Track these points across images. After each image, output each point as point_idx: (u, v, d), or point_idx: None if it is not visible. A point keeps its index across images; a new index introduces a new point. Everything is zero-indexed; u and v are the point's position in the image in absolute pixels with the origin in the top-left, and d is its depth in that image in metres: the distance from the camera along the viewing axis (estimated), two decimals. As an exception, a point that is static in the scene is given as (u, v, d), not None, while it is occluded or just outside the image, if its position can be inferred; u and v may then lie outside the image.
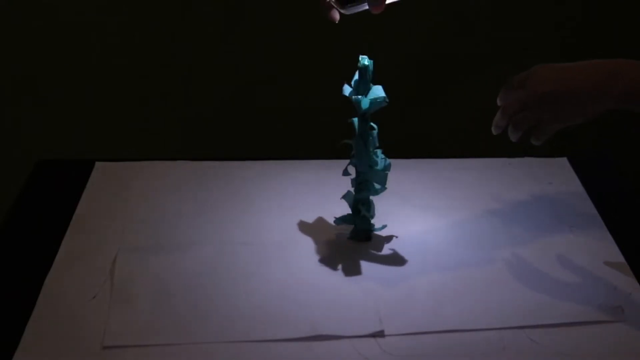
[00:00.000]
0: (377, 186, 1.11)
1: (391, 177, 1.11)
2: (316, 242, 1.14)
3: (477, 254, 1.12)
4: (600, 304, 1.02)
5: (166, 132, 1.93)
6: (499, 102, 1.08)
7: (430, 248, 1.13)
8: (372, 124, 1.08)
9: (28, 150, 1.60)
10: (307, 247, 1.13)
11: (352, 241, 1.14)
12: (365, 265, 1.10)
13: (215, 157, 1.36)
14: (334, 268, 1.09)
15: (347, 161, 1.11)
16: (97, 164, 1.31)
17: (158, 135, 1.93)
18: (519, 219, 1.20)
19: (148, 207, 1.21)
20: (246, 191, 1.26)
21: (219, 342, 0.96)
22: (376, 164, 1.10)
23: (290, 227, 1.17)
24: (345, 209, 1.14)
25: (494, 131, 1.09)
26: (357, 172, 1.11)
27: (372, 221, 1.14)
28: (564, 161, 1.36)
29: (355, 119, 1.08)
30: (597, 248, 1.14)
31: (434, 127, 1.95)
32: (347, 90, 1.07)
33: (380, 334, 0.98)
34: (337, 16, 1.00)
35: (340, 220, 1.14)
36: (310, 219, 1.19)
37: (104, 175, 1.29)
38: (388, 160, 1.11)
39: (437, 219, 1.20)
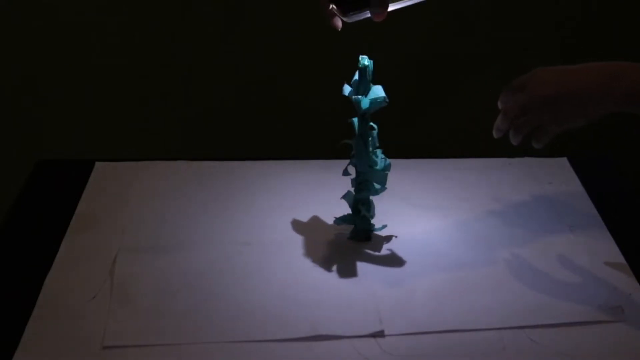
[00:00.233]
0: (377, 186, 1.11)
1: (391, 177, 1.11)
2: (316, 242, 1.14)
3: (477, 254, 1.12)
4: (600, 304, 1.02)
5: (166, 132, 1.93)
6: (499, 105, 1.08)
7: (430, 248, 1.13)
8: (372, 124, 1.08)
9: (28, 150, 1.60)
10: (307, 247, 1.13)
11: (352, 241, 1.14)
12: (365, 265, 1.10)
13: (215, 157, 1.36)
14: (334, 268, 1.09)
15: (347, 161, 1.11)
16: (97, 164, 1.31)
17: (158, 135, 1.93)
18: (519, 219, 1.20)
19: (148, 207, 1.21)
20: (246, 191, 1.26)
21: (219, 342, 0.96)
22: (376, 164, 1.10)
23: (290, 227, 1.17)
24: (345, 209, 1.14)
25: (495, 135, 1.09)
26: (357, 172, 1.11)
27: (372, 221, 1.14)
28: (564, 161, 1.36)
29: (355, 119, 1.08)
30: (597, 248, 1.14)
31: (434, 127, 1.95)
32: (347, 90, 1.07)
33: (380, 334, 0.98)
34: (339, 24, 1.00)
35: (340, 220, 1.14)
36: (310, 219, 1.19)
37: (104, 175, 1.29)
38: (388, 160, 1.11)
39: (437, 219, 1.20)
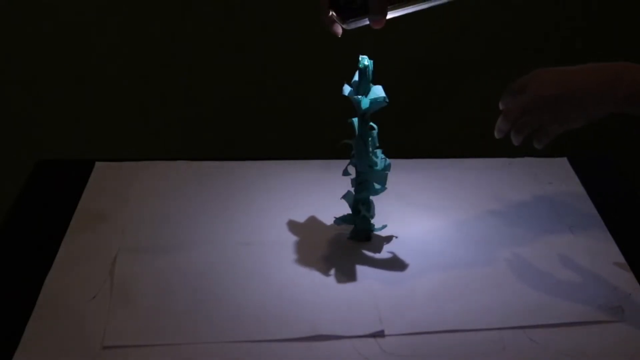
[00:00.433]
0: (377, 186, 1.11)
1: (391, 177, 1.11)
2: (316, 242, 1.14)
3: (477, 254, 1.12)
4: (600, 304, 1.02)
5: (166, 132, 1.93)
6: (501, 107, 1.08)
7: (430, 248, 1.13)
8: (372, 124, 1.08)
9: (28, 150, 1.60)
10: (307, 247, 1.13)
11: (352, 241, 1.14)
12: (365, 265, 1.10)
13: (215, 157, 1.36)
14: (334, 268, 1.09)
15: (347, 161, 1.11)
16: (97, 164, 1.31)
17: (158, 135, 1.93)
18: (519, 219, 1.20)
19: (148, 207, 1.21)
20: (246, 191, 1.26)
21: (219, 342, 0.96)
22: (376, 164, 1.10)
23: (290, 227, 1.17)
24: (345, 209, 1.14)
25: (497, 135, 1.09)
26: (357, 172, 1.11)
27: (372, 221, 1.14)
28: (564, 161, 1.36)
29: (355, 119, 1.08)
30: (597, 248, 1.14)
31: (434, 127, 1.95)
32: (347, 90, 1.07)
33: (380, 334, 0.98)
34: (339, 30, 1.01)
35: (340, 220, 1.14)
36: (310, 219, 1.19)
37: (104, 175, 1.29)
38: (388, 160, 1.11)
39: (437, 219, 1.20)
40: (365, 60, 1.05)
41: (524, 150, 1.28)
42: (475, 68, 1.90)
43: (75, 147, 1.90)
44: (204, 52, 1.86)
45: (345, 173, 1.11)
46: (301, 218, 1.19)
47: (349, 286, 1.06)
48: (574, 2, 1.87)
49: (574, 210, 1.23)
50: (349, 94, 1.06)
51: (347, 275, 1.08)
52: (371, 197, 1.13)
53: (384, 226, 1.15)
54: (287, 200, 1.24)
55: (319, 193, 1.24)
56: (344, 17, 0.99)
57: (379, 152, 1.11)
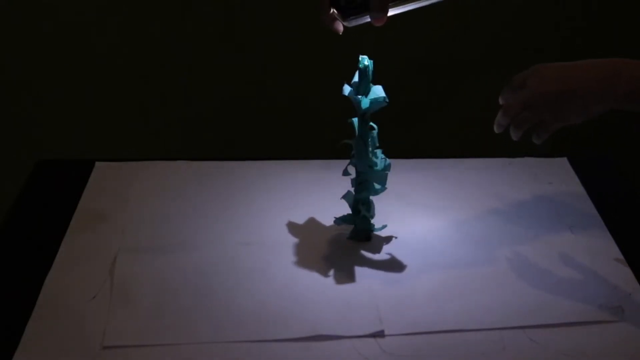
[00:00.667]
0: (377, 186, 1.11)
1: (391, 177, 1.11)
2: (316, 242, 1.14)
3: (477, 254, 1.12)
4: (600, 304, 1.02)
5: (166, 132, 1.93)
6: (500, 101, 1.08)
7: (430, 248, 1.13)
8: (372, 123, 1.08)
9: (28, 150, 1.60)
10: (307, 247, 1.13)
11: (352, 241, 1.14)
12: (365, 265, 1.10)
13: (215, 157, 1.36)
14: (334, 268, 1.09)
15: (347, 161, 1.11)
16: (97, 164, 1.31)
17: (158, 135, 1.93)
18: (519, 219, 1.20)
19: (148, 207, 1.21)
20: (246, 191, 1.26)
21: (219, 342, 0.96)
22: (376, 164, 1.10)
23: (290, 227, 1.17)
24: (345, 209, 1.14)
25: (496, 129, 1.09)
26: (357, 172, 1.11)
27: (372, 221, 1.14)
28: (564, 161, 1.36)
29: (355, 119, 1.08)
30: (597, 248, 1.14)
31: (434, 127, 1.95)
32: (347, 90, 1.07)
33: (380, 334, 0.98)
34: (340, 28, 1.01)
35: (340, 220, 1.14)
36: (310, 219, 1.19)
37: (104, 175, 1.29)
38: (388, 160, 1.11)
39: (437, 219, 1.20)
40: (365, 60, 1.05)
41: (524, 150, 1.28)
42: (475, 68, 1.90)
43: (75, 147, 1.90)
44: (204, 52, 1.86)
45: (345, 173, 1.11)
46: (301, 218, 1.19)
47: (349, 286, 1.06)
48: (574, 2, 1.87)
49: (574, 210, 1.23)
50: (349, 94, 1.06)
51: (347, 275, 1.08)
52: (371, 197, 1.13)
53: (384, 226, 1.15)
54: (287, 200, 1.24)
55: (319, 193, 1.24)
56: (345, 15, 0.99)
57: (379, 152, 1.11)
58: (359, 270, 1.09)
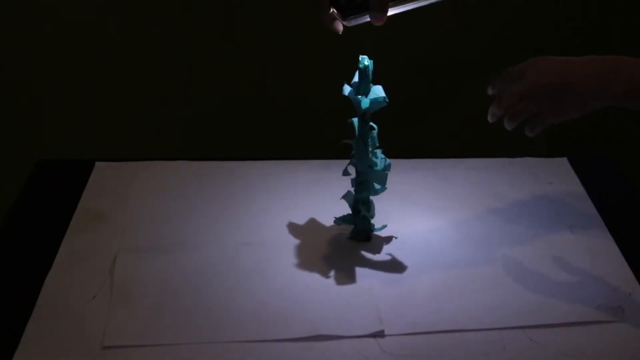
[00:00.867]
0: (377, 186, 1.11)
1: (391, 177, 1.11)
2: (316, 242, 1.14)
3: (477, 254, 1.12)
4: (600, 304, 1.02)
5: (166, 132, 1.93)
6: (489, 91, 1.08)
7: (430, 248, 1.13)
8: (372, 124, 1.08)
9: (28, 150, 1.60)
10: (307, 247, 1.13)
11: (352, 241, 1.14)
12: (365, 265, 1.10)
13: (215, 157, 1.36)
14: (334, 268, 1.09)
15: (347, 161, 1.11)
16: (97, 164, 1.31)
17: (158, 135, 1.93)
18: (519, 219, 1.20)
19: (148, 207, 1.21)
20: (246, 191, 1.26)
21: (219, 342, 0.96)
22: (376, 164, 1.10)
23: (290, 227, 1.17)
24: (345, 209, 1.14)
25: (490, 119, 1.08)
26: (357, 172, 1.11)
27: (372, 221, 1.14)
28: (564, 161, 1.35)
29: (355, 119, 1.08)
30: (597, 248, 1.14)
31: (434, 127, 1.95)
32: (347, 90, 1.07)
33: (380, 334, 0.98)
34: (340, 27, 1.01)
35: (340, 220, 1.14)
36: (310, 219, 1.19)
37: (104, 175, 1.29)
38: (388, 160, 1.11)
39: (437, 219, 1.20)
40: (365, 60, 1.05)
41: (524, 150, 1.28)
42: (475, 68, 1.90)
43: (75, 147, 1.90)
44: (204, 52, 1.86)
45: (345, 173, 1.11)
46: (301, 218, 1.19)
47: (349, 286, 1.06)
48: (574, 2, 1.87)
49: (574, 210, 1.23)
50: (349, 94, 1.06)
51: (347, 275, 1.08)
52: (371, 197, 1.13)
53: (384, 226, 1.15)
54: (287, 200, 1.24)
55: (319, 193, 1.24)
56: (344, 14, 0.99)
57: (379, 152, 1.11)
58: (359, 270, 1.09)
